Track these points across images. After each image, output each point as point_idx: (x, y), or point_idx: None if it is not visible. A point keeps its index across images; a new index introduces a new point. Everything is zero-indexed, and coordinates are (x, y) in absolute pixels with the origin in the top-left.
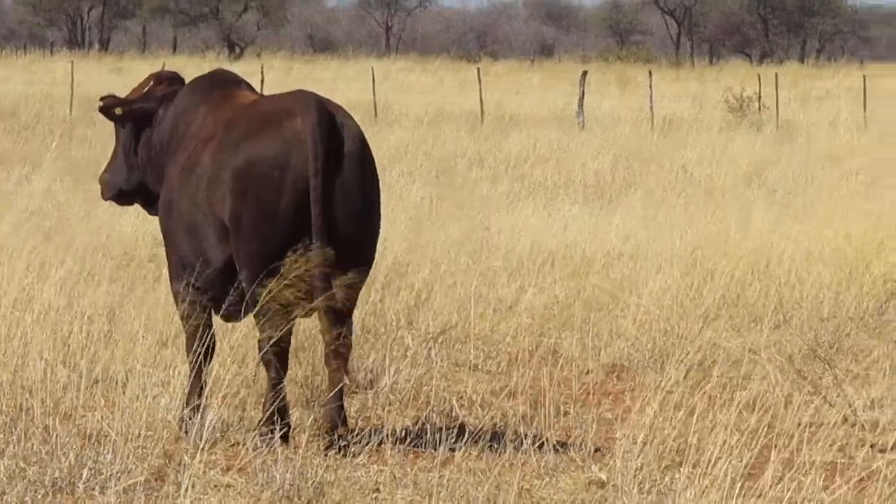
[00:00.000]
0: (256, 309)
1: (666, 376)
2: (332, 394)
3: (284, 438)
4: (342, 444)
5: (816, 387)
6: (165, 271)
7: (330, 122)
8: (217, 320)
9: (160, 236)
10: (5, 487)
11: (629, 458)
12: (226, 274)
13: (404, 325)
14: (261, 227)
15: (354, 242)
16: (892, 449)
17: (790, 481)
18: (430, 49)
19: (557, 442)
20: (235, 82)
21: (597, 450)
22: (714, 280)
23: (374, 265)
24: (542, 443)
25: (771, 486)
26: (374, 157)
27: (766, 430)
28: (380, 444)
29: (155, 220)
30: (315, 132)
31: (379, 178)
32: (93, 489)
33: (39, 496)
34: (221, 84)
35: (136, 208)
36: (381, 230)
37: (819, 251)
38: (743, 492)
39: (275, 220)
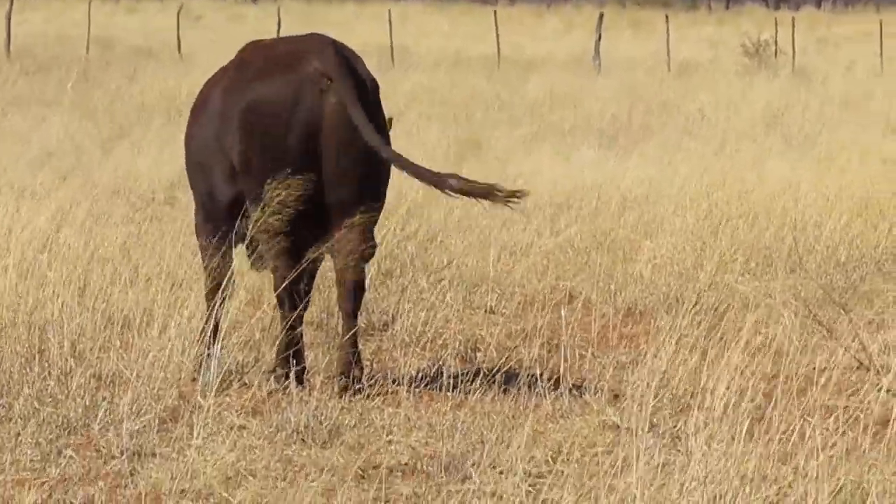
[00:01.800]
0: (270, 247)
1: (680, 320)
2: (346, 336)
3: (299, 380)
4: (357, 387)
5: (831, 331)
6: (182, 212)
7: (346, 64)
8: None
9: (176, 179)
10: (20, 428)
11: (643, 402)
12: (233, 212)
13: (419, 267)
14: (268, 167)
15: (367, 182)
16: None
17: (803, 426)
18: None
19: (572, 385)
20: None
21: (612, 393)
22: (729, 224)
23: (385, 207)
24: (557, 386)
25: (782, 430)
26: (385, 103)
27: (778, 373)
28: (394, 386)
29: (171, 161)
30: (338, 69)
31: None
32: (107, 430)
33: (54, 436)
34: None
35: (155, 151)
36: (390, 173)
37: (835, 196)
38: (755, 435)
39: (282, 160)
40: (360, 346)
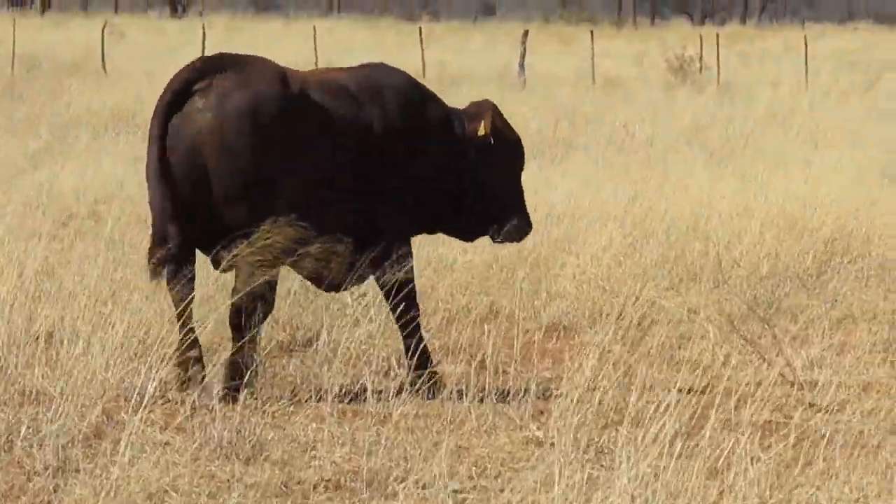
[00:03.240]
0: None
1: (605, 335)
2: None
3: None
4: (224, 395)
5: (755, 346)
6: (107, 229)
7: (178, 99)
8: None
9: (99, 194)
10: None
11: (567, 417)
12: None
13: None
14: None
15: (229, 208)
16: (829, 408)
17: (728, 440)
18: (371, 9)
19: (496, 400)
20: None
21: (536, 409)
22: (653, 239)
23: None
24: (481, 401)
25: (709, 445)
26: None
27: (704, 389)
28: (318, 402)
29: (96, 176)
30: (157, 108)
31: (265, 148)
32: (31, 447)
33: None
34: None
35: (80, 166)
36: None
37: (759, 211)
38: (681, 451)
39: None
40: (246, 359)
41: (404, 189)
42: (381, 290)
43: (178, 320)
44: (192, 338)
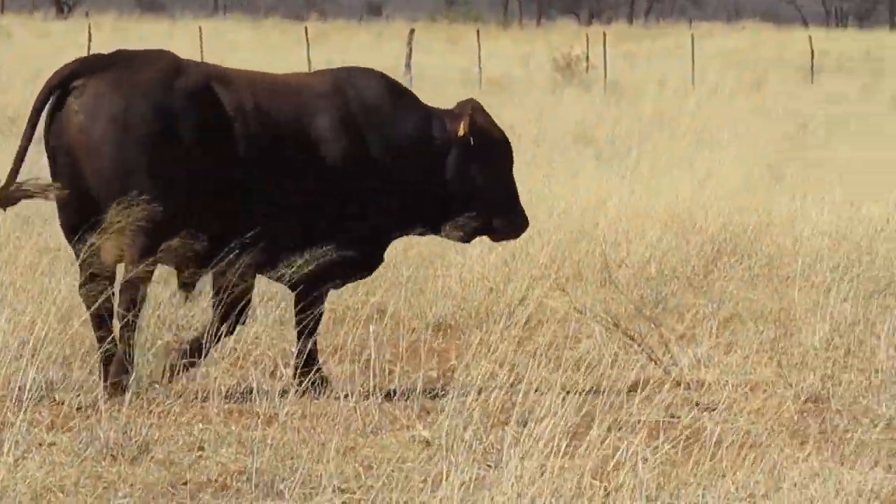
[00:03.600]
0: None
1: (492, 335)
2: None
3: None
4: (111, 393)
5: (642, 346)
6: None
7: (55, 91)
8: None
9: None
10: None
11: (454, 417)
12: None
13: None
14: None
15: (103, 200)
16: (716, 407)
17: (615, 440)
18: (257, 8)
19: (382, 400)
20: None
21: (422, 408)
22: (541, 238)
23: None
24: (367, 402)
25: (596, 445)
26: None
27: (591, 388)
28: (204, 402)
29: None
30: (34, 105)
31: (137, 142)
32: None
33: None
34: None
35: None
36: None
37: (646, 210)
38: (568, 451)
39: None
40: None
41: (371, 191)
42: (294, 287)
43: (92, 318)
44: (109, 336)
